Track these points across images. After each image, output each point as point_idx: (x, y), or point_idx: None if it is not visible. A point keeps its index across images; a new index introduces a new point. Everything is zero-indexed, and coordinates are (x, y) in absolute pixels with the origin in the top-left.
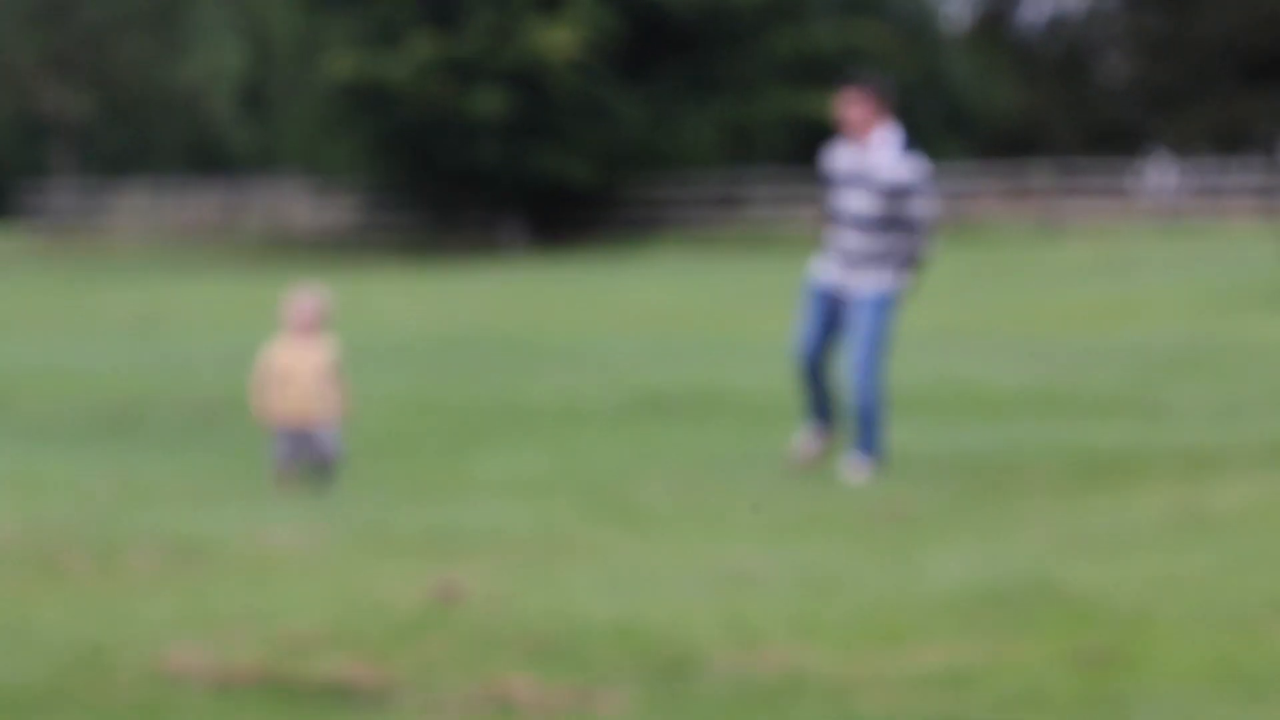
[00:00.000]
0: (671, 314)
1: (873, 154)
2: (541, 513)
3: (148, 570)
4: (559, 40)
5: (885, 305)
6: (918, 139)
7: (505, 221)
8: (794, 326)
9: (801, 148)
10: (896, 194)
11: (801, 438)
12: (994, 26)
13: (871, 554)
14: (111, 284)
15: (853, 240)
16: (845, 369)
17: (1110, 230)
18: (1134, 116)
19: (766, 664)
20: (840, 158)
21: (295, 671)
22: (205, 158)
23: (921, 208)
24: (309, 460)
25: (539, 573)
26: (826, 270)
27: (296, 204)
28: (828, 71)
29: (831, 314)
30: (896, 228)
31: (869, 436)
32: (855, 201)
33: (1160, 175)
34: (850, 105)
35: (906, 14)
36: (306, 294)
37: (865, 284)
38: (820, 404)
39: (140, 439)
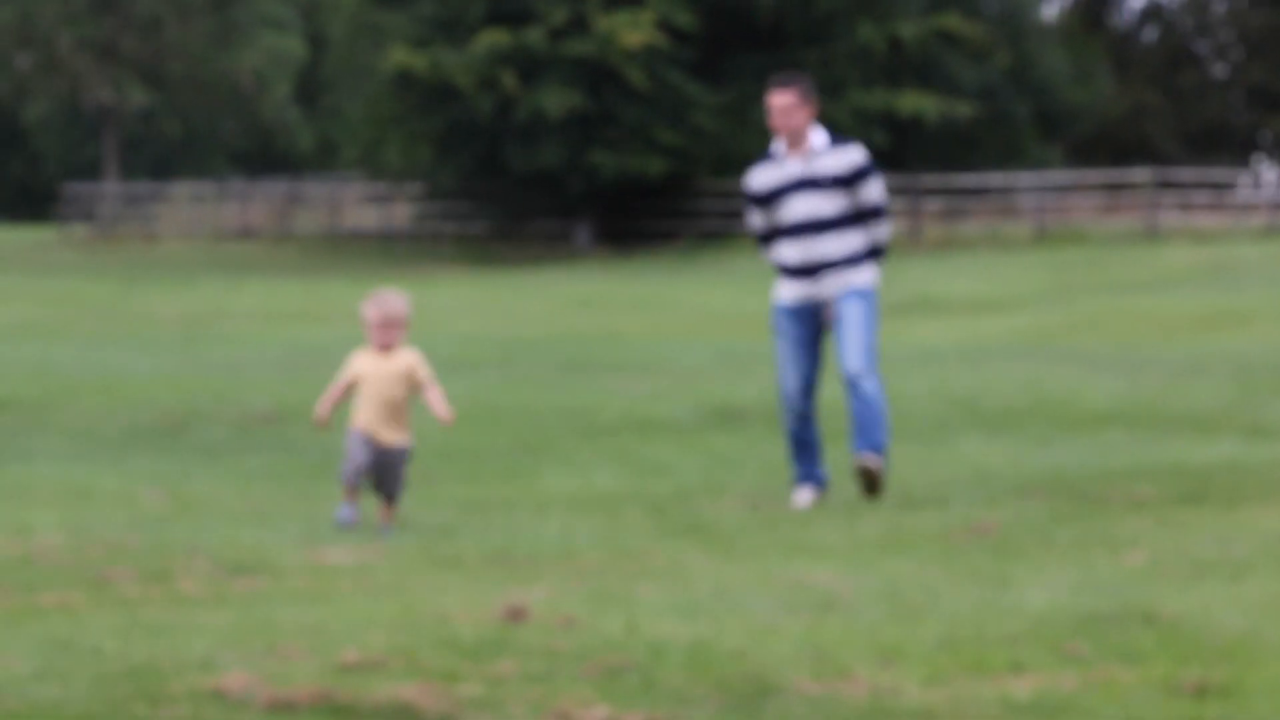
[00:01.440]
0: (745, 321)
1: (815, 153)
2: (612, 529)
3: (199, 587)
4: (631, 32)
5: (871, 299)
6: (1008, 139)
7: (573, 222)
8: (782, 367)
9: (887, 147)
10: (855, 181)
11: (801, 496)
12: (1089, 18)
13: (958, 576)
14: (160, 287)
15: (815, 248)
16: (845, 369)
17: (1212, 236)
18: (1235, 115)
19: (849, 691)
20: (770, 172)
21: (355, 694)
22: (260, 156)
23: (879, 190)
24: (377, 478)
25: (609, 593)
26: (794, 291)
27: (354, 204)
28: (915, 66)
29: (814, 339)
30: (859, 220)
31: (880, 428)
32: (808, 207)
33: (1265, 178)
34: (791, 110)
35: (997, 4)
36: (391, 296)
37: (843, 285)
38: (815, 456)
39: (189, 449)
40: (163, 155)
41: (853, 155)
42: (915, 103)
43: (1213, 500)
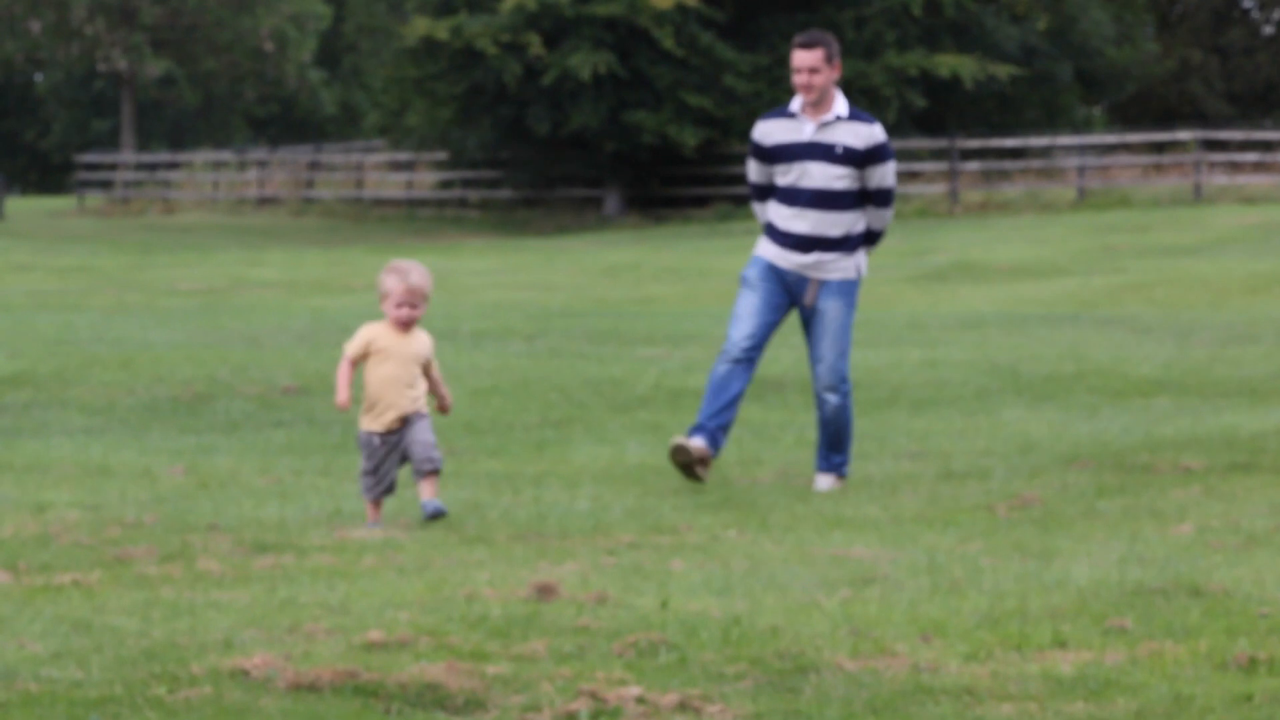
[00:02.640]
0: None
1: (833, 120)
2: (644, 504)
3: (220, 565)
4: None
5: (854, 296)
6: (1048, 100)
7: (602, 189)
8: (737, 315)
9: (924, 112)
10: (869, 161)
11: (692, 442)
12: None
13: (1000, 549)
14: (179, 257)
15: (814, 221)
16: (820, 379)
17: (1260, 197)
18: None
19: (888, 668)
20: (783, 129)
21: (380, 674)
22: (281, 122)
23: (892, 175)
24: (403, 455)
25: (642, 569)
26: (781, 257)
27: (377, 171)
28: (952, 26)
29: (782, 306)
30: (864, 201)
31: (846, 447)
32: (817, 176)
33: None
34: (816, 69)
35: None
36: (414, 266)
37: (832, 273)
38: (726, 411)
39: (209, 423)
40: (180, 123)
41: (873, 132)
42: (953, 64)
43: (1263, 470)
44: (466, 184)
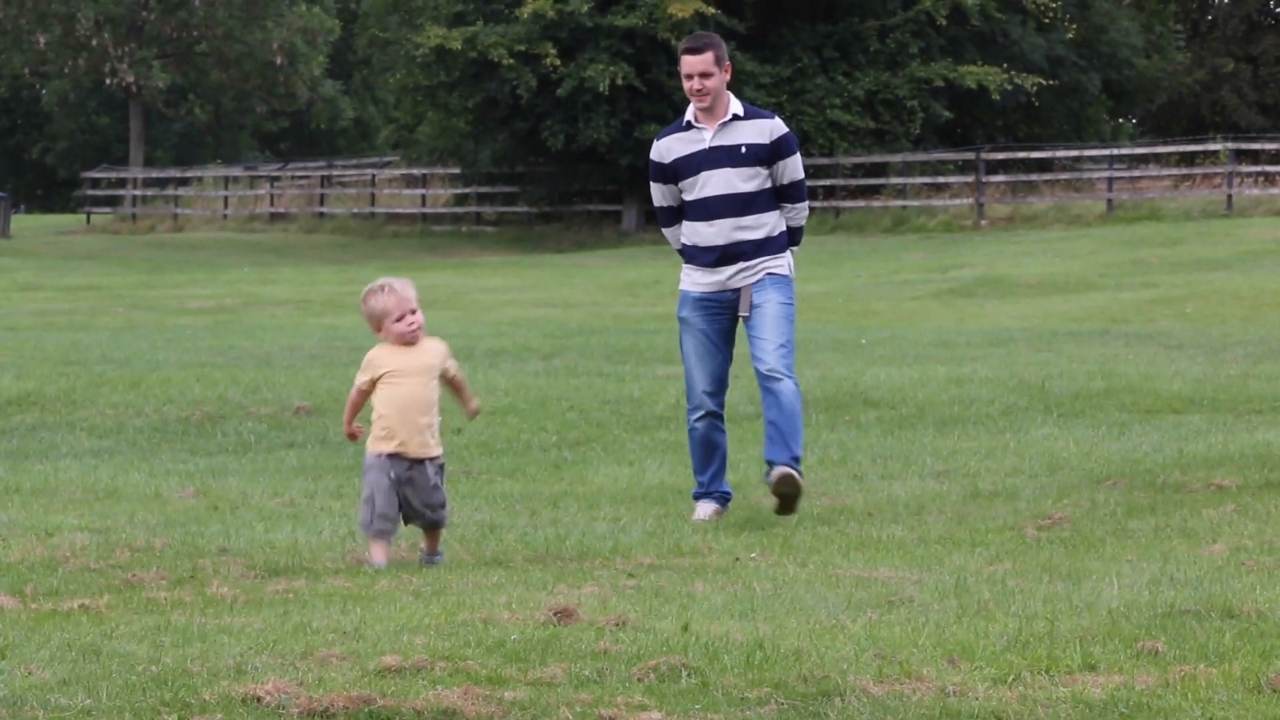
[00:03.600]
0: (803, 305)
1: (730, 120)
2: (664, 525)
3: (232, 589)
4: (680, 3)
5: (790, 291)
6: (1076, 111)
7: (620, 204)
8: (689, 364)
9: (949, 124)
10: (775, 155)
11: (702, 510)
12: None
13: (1029, 570)
14: (189, 275)
15: (730, 228)
16: (762, 366)
17: None
18: None
19: (914, 692)
20: (683, 143)
21: (395, 700)
22: (292, 137)
23: (799, 167)
24: (412, 505)
25: (663, 591)
26: (706, 280)
27: (391, 187)
28: (978, 37)
29: (727, 334)
30: (777, 199)
31: (799, 437)
32: (723, 182)
33: None
34: (706, 72)
35: None
36: (397, 279)
37: (760, 273)
38: (721, 464)
39: (220, 444)
40: (189, 137)
41: (775, 125)
42: (979, 75)
43: None
44: (482, 199)
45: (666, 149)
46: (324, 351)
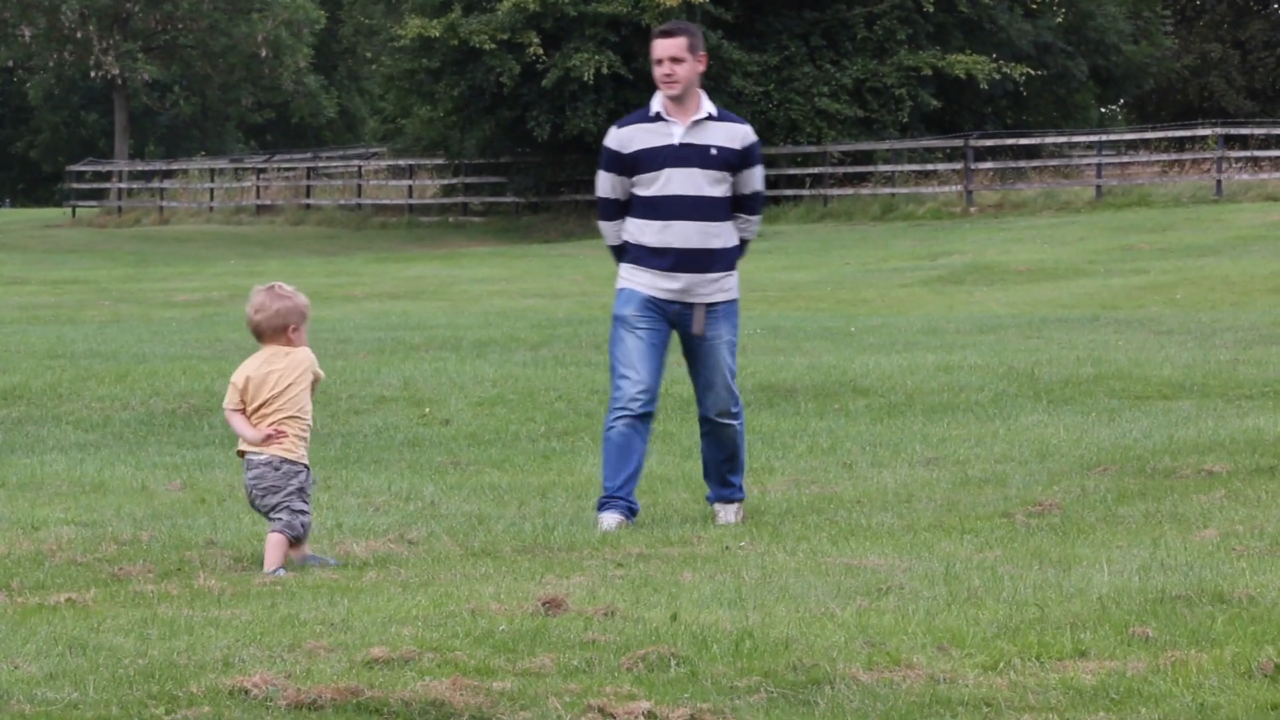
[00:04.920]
0: (793, 293)
1: (704, 119)
2: (653, 515)
3: (219, 581)
4: None
5: (737, 317)
6: (1064, 98)
7: None
8: (623, 364)
9: (937, 111)
10: (744, 163)
11: (607, 520)
12: None
13: (1019, 557)
14: (174, 268)
15: (688, 233)
16: (717, 407)
17: None
18: None
19: (904, 680)
20: (648, 135)
21: (383, 691)
22: (277, 129)
23: (762, 179)
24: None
25: (651, 581)
26: (657, 284)
27: (377, 178)
28: (965, 24)
29: (666, 342)
30: (735, 208)
31: (742, 474)
32: (689, 184)
33: None
34: (677, 57)
35: None
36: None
37: (716, 295)
38: (635, 472)
39: (207, 437)
40: (175, 131)
41: (747, 132)
42: (967, 63)
43: None
44: (469, 190)
45: (628, 138)
46: (311, 343)
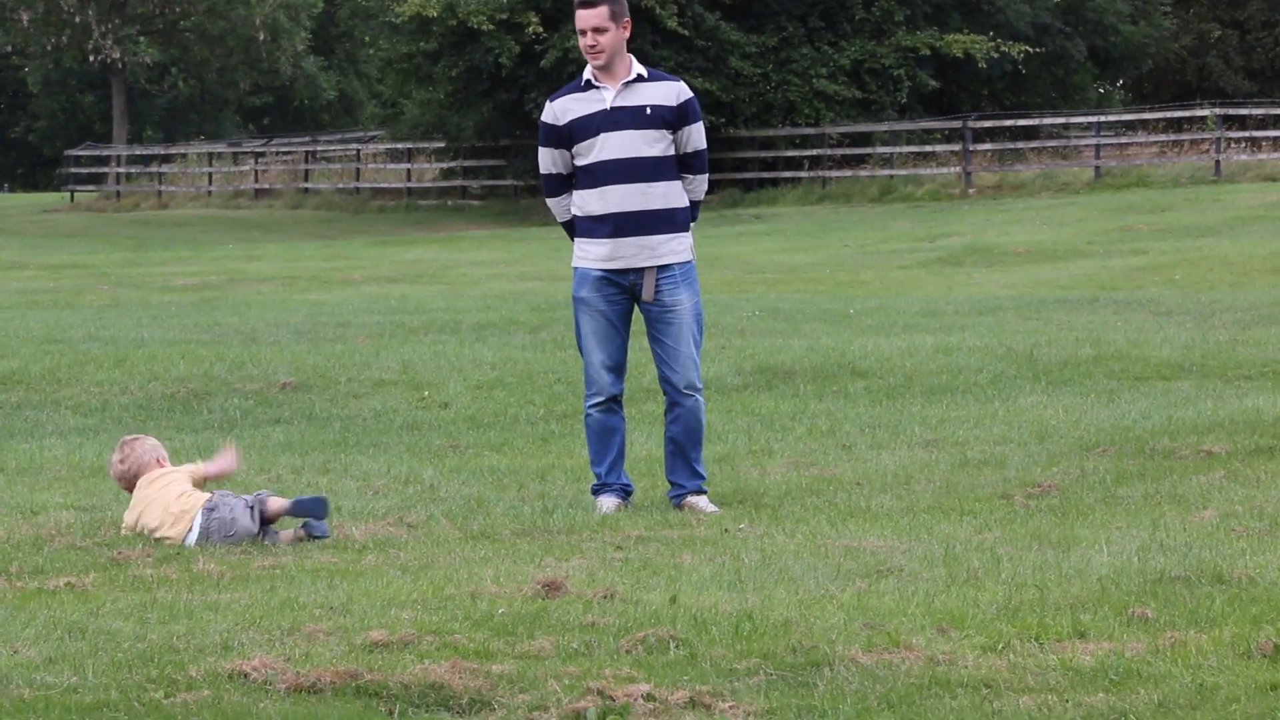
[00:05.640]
0: (791, 275)
1: (634, 80)
2: (652, 497)
3: (218, 565)
4: None
5: (696, 280)
6: (1062, 79)
7: None
8: (587, 346)
9: (935, 92)
10: (680, 120)
11: (606, 503)
12: None
13: (1018, 538)
14: (173, 252)
15: (628, 195)
16: (678, 379)
17: None
18: None
19: (904, 661)
20: (581, 104)
21: (383, 674)
22: (276, 112)
23: (703, 137)
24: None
25: (650, 564)
26: (605, 255)
27: (376, 161)
28: (963, 3)
29: (627, 314)
30: (680, 168)
31: (701, 452)
32: (624, 146)
33: None
34: (600, 27)
35: None
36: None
37: (666, 256)
38: (621, 453)
39: (205, 421)
40: (173, 115)
41: (681, 89)
42: (965, 43)
43: None
44: (467, 173)
45: (562, 110)
46: (310, 327)
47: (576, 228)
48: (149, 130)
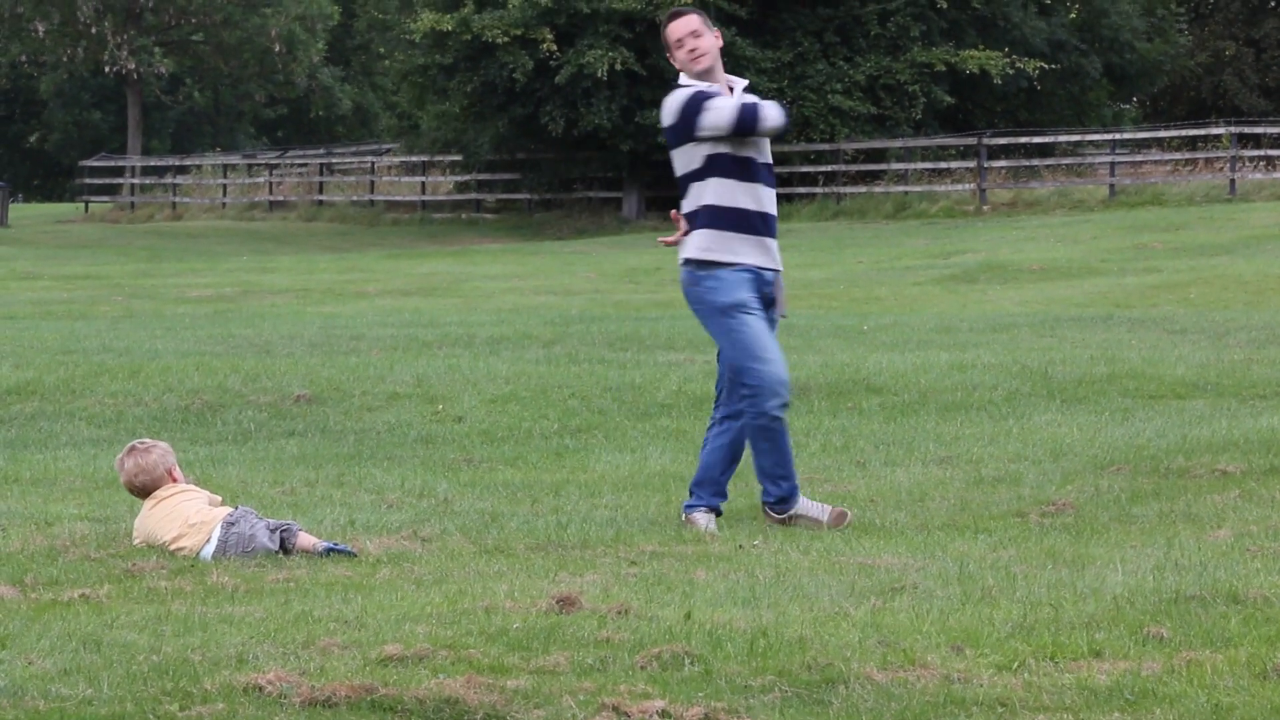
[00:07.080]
0: (805, 290)
1: (739, 93)
2: (667, 512)
3: (233, 578)
4: None
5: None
6: (1078, 96)
7: (621, 190)
8: (760, 347)
9: (950, 109)
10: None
11: (817, 511)
12: None
13: (1033, 557)
14: (188, 263)
15: (771, 201)
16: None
17: None
18: None
19: (918, 679)
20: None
21: (397, 688)
22: (291, 124)
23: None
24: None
25: (665, 579)
26: (753, 256)
27: (390, 174)
28: (979, 20)
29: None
30: None
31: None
32: (767, 147)
33: None
34: (700, 36)
35: None
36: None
37: (779, 256)
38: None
39: (219, 433)
40: (187, 126)
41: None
42: (981, 59)
43: None
44: (482, 186)
45: (704, 90)
46: (324, 340)
47: (712, 220)
48: (155, 141)
